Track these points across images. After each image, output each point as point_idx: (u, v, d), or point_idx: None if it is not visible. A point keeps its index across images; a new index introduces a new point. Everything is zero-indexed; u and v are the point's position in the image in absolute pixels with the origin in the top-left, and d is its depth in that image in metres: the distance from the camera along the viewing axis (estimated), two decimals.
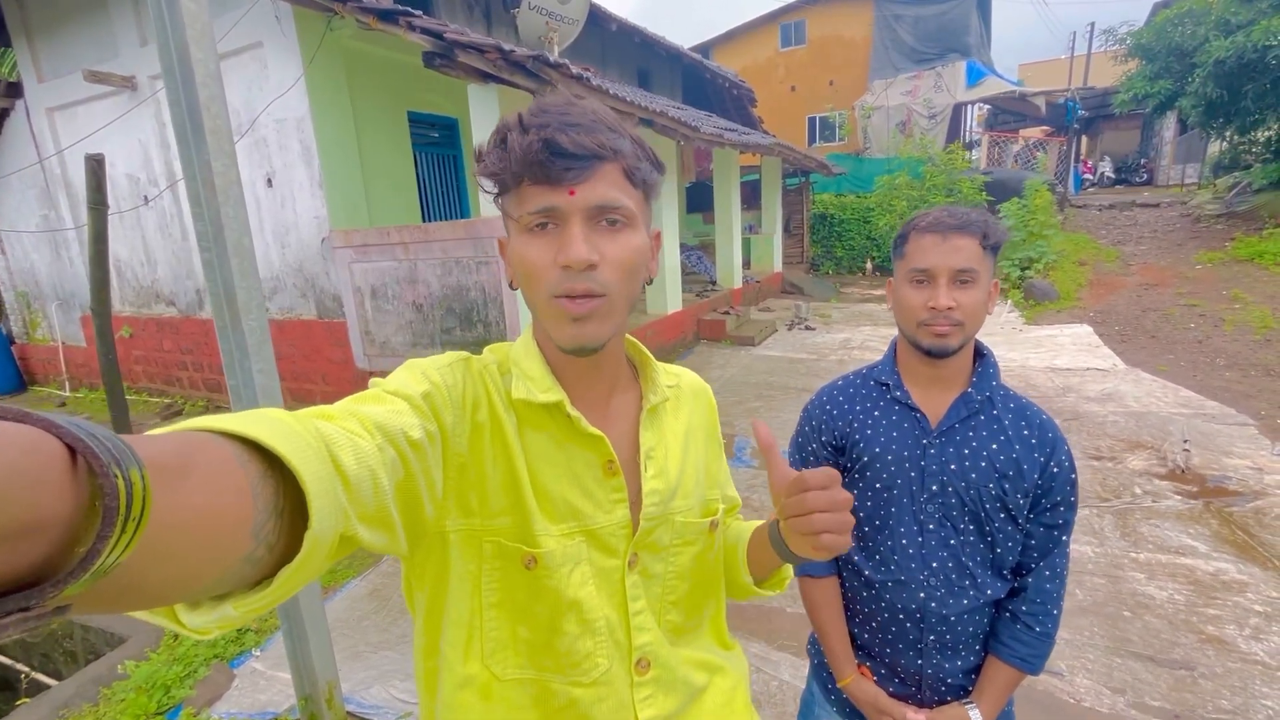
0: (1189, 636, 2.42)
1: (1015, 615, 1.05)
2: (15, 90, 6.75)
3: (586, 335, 0.63)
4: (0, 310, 8.21)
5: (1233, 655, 2.31)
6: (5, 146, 7.17)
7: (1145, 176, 19.26)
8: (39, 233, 7.23)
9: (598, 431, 0.69)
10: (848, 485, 1.12)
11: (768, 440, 0.62)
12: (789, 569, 0.83)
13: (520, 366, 0.70)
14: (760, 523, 0.85)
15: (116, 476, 0.27)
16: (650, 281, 0.71)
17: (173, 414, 6.39)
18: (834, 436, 1.13)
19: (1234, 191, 11.59)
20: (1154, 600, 2.64)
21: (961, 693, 1.08)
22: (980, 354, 1.09)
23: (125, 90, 5.90)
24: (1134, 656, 2.33)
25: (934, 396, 1.07)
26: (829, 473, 0.59)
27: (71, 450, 0.27)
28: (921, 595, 1.04)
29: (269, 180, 5.40)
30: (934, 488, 1.04)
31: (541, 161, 0.59)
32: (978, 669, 1.08)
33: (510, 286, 0.69)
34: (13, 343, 8.07)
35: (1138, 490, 3.60)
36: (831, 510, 0.58)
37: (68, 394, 7.49)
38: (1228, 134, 11.63)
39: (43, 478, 0.26)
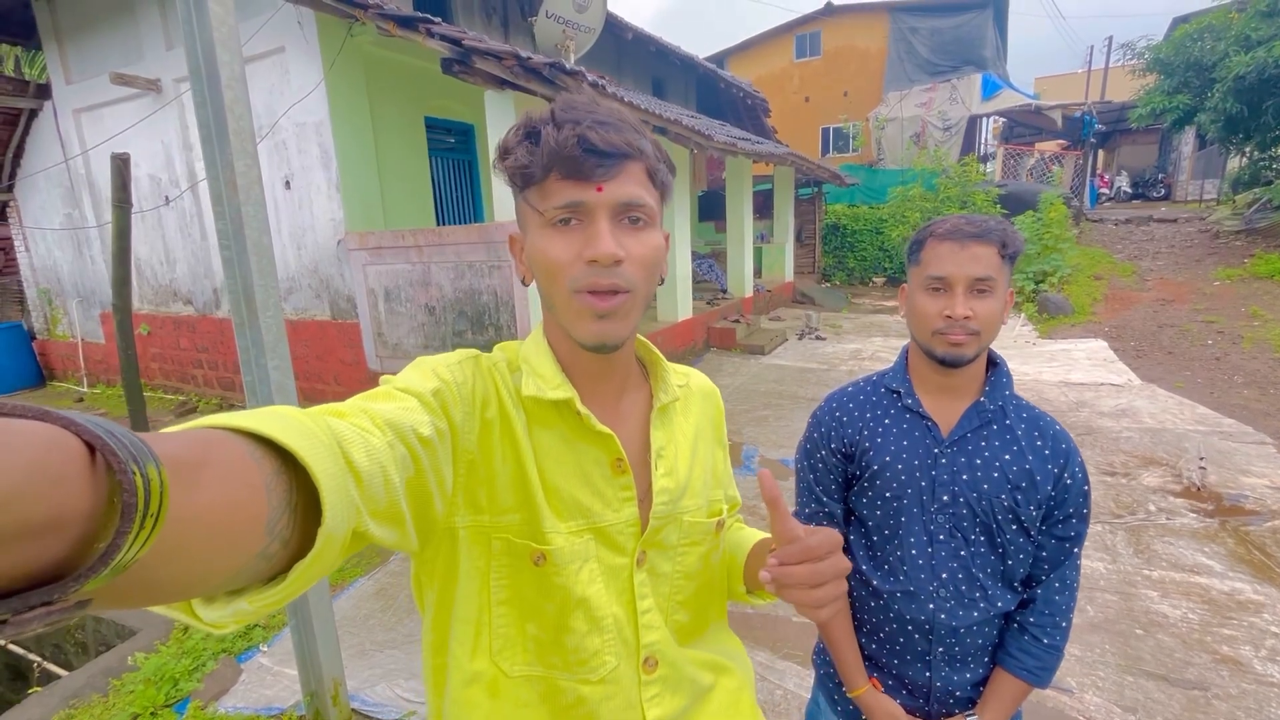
0: (1203, 656, 2.37)
1: (1023, 627, 1.04)
2: (44, 92, 6.92)
3: (609, 332, 0.63)
4: (22, 306, 8.36)
5: (1248, 676, 2.27)
6: (32, 146, 7.33)
7: (1163, 191, 19.08)
8: (62, 230, 7.37)
9: (607, 429, 0.69)
10: (856, 494, 1.12)
11: (772, 493, 0.59)
12: None
13: (530, 364, 0.70)
14: (761, 535, 0.85)
15: (135, 473, 0.27)
16: (662, 282, 0.72)
17: (187, 411, 6.46)
18: (843, 444, 1.12)
19: (1254, 208, 11.45)
20: (1167, 619, 2.60)
21: (970, 705, 1.07)
22: (993, 363, 1.08)
23: (150, 93, 6.02)
24: (1146, 675, 2.29)
25: (945, 405, 1.06)
26: (832, 537, 0.57)
27: (90, 448, 0.28)
28: (930, 606, 1.03)
29: (287, 182, 5.47)
30: (945, 498, 1.03)
31: (574, 156, 0.59)
32: (986, 681, 1.06)
33: (523, 283, 0.69)
34: (34, 338, 8.21)
35: (1152, 507, 3.55)
36: (835, 579, 0.57)
37: (85, 390, 7.61)
38: (1248, 150, 11.50)
39: (64, 475, 0.26)
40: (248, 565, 0.37)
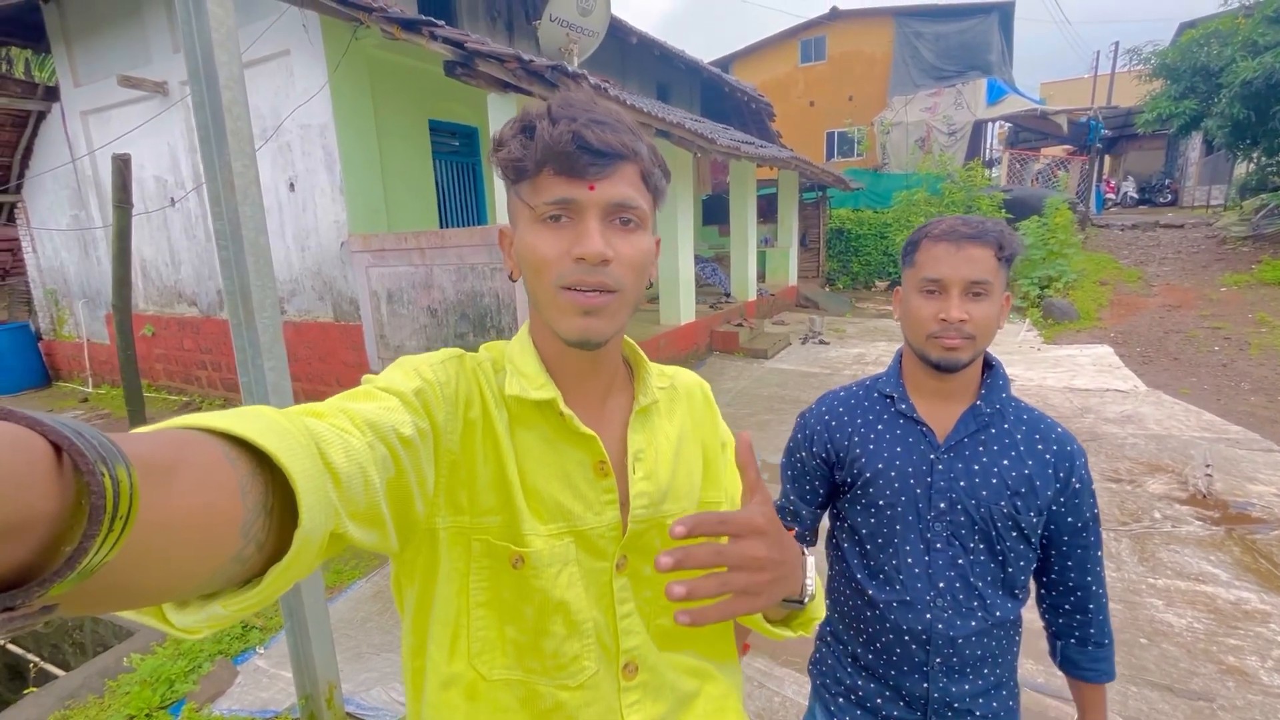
0: (1208, 666, 2.34)
1: (1084, 640, 1.06)
2: (52, 94, 6.98)
3: (592, 329, 0.63)
4: (29, 307, 8.41)
5: (1254, 687, 2.23)
6: (40, 148, 7.39)
7: (1170, 197, 18.99)
8: (69, 231, 7.42)
9: (590, 431, 0.68)
10: (849, 502, 1.10)
11: (746, 456, 0.55)
12: (818, 607, 0.72)
13: (515, 363, 0.69)
14: None
15: (103, 474, 0.27)
16: (650, 285, 0.70)
17: (190, 412, 6.48)
18: (827, 450, 1.10)
19: (1261, 214, 11.38)
20: (1172, 628, 2.57)
21: (969, 716, 1.05)
22: (989, 365, 1.07)
23: (156, 95, 6.06)
24: (1150, 685, 2.26)
25: (941, 410, 1.05)
26: (751, 520, 0.51)
27: (57, 449, 0.27)
28: (928, 616, 1.01)
29: (291, 185, 5.49)
30: (942, 505, 1.01)
31: (568, 153, 0.59)
32: (986, 693, 1.04)
33: (511, 278, 0.69)
34: (40, 339, 8.26)
35: (1157, 514, 3.51)
36: (748, 570, 0.50)
37: (90, 390, 7.64)
38: (1255, 155, 11.45)
39: (28, 476, 0.25)
40: (222, 569, 0.36)
